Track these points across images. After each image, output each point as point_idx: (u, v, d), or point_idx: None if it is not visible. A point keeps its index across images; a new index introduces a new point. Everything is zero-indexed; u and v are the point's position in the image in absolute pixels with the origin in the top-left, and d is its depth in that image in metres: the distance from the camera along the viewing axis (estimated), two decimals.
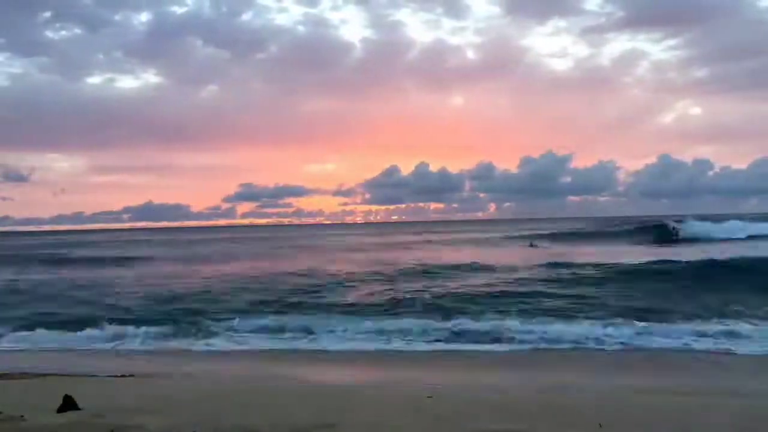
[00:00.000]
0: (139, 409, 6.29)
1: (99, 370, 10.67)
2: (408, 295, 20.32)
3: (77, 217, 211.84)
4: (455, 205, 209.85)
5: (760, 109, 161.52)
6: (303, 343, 14.73)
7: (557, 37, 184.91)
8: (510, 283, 22.60)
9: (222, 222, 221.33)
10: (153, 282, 26.76)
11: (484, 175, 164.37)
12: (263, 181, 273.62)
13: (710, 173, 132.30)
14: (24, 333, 16.42)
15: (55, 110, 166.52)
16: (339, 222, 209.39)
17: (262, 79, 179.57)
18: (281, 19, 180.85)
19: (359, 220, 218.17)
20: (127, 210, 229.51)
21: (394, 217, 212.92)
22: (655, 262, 25.62)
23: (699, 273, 22.37)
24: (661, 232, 46.33)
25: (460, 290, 21.09)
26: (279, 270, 29.65)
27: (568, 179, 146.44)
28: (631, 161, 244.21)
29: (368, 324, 15.87)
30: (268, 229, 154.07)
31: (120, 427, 5.39)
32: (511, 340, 14.17)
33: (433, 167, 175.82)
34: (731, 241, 41.53)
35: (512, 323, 15.36)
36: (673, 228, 46.85)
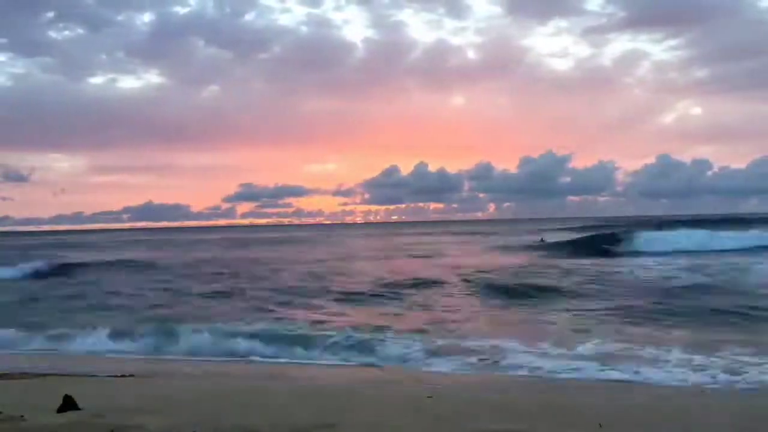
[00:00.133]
0: (139, 409, 6.29)
1: (99, 370, 10.65)
2: None
3: (77, 217, 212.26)
4: (455, 206, 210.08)
5: (760, 109, 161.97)
6: None
7: (558, 37, 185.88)
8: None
9: (222, 222, 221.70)
10: None
11: (483, 175, 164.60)
12: (263, 181, 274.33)
13: (709, 173, 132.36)
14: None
15: (56, 110, 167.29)
16: (339, 222, 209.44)
17: (263, 79, 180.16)
18: (284, 20, 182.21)
19: (359, 220, 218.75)
20: (126, 210, 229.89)
21: (394, 217, 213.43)
22: None
23: None
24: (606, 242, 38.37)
25: None
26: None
27: (568, 179, 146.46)
28: (631, 161, 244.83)
29: None
30: (267, 228, 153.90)
31: (120, 427, 5.39)
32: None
33: (433, 167, 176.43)
34: (688, 255, 31.03)
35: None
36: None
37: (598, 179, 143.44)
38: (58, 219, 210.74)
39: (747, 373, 9.47)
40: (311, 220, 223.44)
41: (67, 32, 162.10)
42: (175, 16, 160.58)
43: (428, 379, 9.94)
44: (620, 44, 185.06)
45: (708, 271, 23.80)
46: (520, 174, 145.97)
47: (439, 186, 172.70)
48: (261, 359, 12.32)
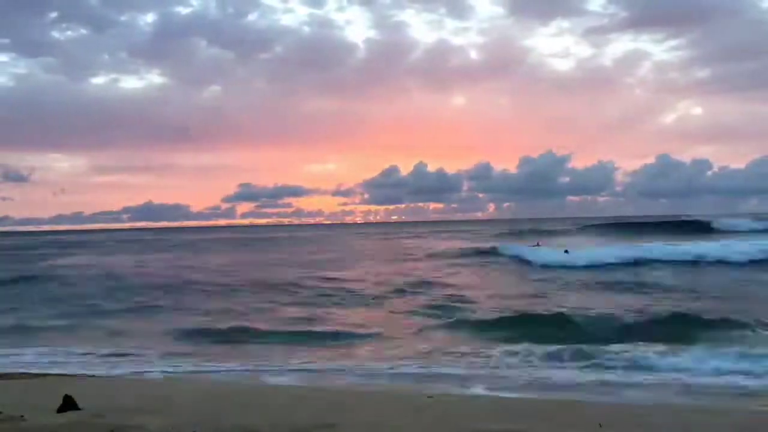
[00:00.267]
0: (139, 409, 6.29)
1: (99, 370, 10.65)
2: None
3: (77, 217, 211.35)
4: (454, 205, 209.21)
5: (761, 110, 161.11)
6: None
7: (560, 37, 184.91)
8: None
9: (221, 222, 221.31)
10: None
11: (483, 174, 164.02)
12: (263, 181, 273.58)
13: (709, 173, 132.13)
14: None
15: (58, 110, 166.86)
16: (338, 222, 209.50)
17: (264, 79, 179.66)
18: (287, 20, 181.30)
19: (359, 220, 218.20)
20: (126, 210, 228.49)
21: (394, 217, 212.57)
22: None
23: None
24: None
25: None
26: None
27: (567, 179, 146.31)
28: (631, 161, 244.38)
29: None
30: (267, 229, 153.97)
31: (120, 427, 5.39)
32: None
33: (433, 167, 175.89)
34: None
35: None
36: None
37: (598, 179, 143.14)
38: (58, 219, 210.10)
39: None
40: (311, 220, 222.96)
41: (69, 32, 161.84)
42: (178, 17, 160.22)
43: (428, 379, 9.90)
44: (621, 44, 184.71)
45: None
46: (519, 174, 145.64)
47: (439, 186, 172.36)
48: None
